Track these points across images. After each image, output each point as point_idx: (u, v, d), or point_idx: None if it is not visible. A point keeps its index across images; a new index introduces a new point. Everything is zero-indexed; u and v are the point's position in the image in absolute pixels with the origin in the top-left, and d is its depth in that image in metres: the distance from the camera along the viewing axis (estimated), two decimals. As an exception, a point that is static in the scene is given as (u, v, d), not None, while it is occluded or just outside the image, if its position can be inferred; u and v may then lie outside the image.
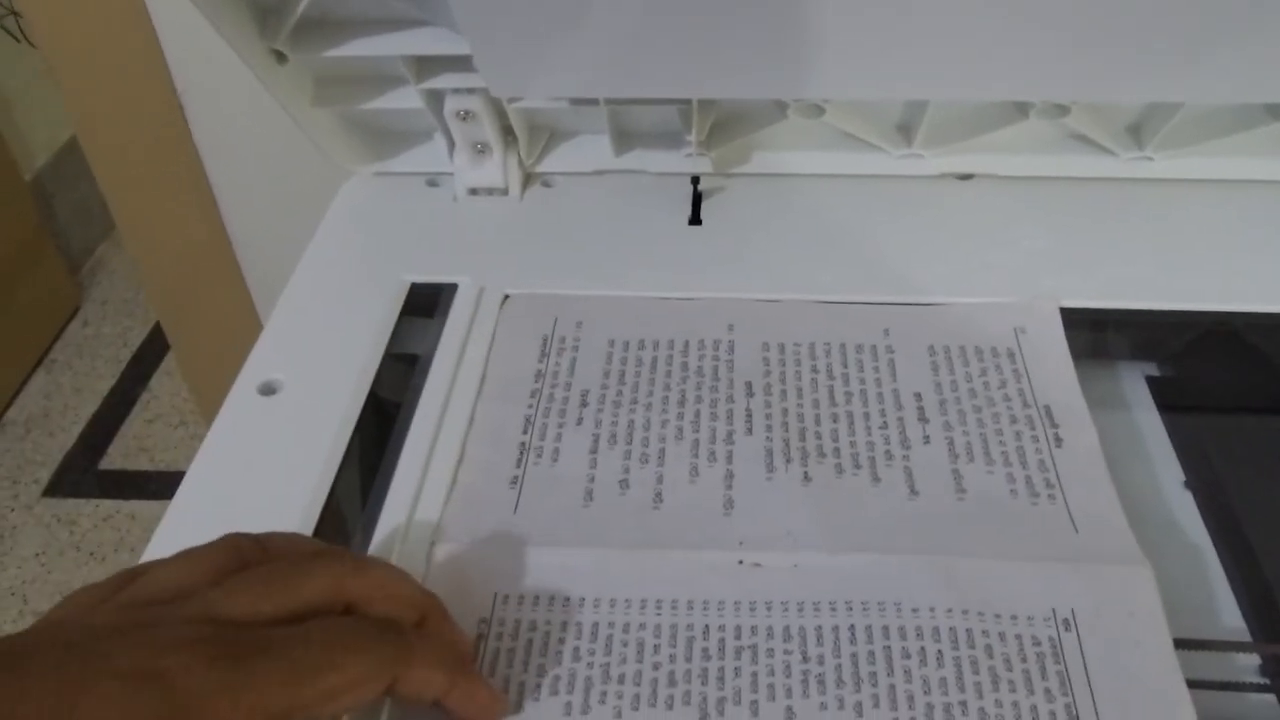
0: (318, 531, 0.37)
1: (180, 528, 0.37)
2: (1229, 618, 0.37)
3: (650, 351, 0.44)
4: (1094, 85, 0.42)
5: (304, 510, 0.37)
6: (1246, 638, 0.37)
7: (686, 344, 0.45)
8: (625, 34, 0.40)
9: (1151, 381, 0.46)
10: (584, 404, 0.42)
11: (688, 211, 0.51)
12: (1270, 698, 0.35)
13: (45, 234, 1.44)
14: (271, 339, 0.45)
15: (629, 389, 0.43)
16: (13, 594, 1.15)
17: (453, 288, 0.47)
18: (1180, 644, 0.33)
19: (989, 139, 0.50)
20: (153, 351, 1.46)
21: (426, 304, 0.47)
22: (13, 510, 1.24)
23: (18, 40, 1.36)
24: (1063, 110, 0.47)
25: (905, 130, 0.51)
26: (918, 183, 0.52)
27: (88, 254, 1.59)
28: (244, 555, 0.29)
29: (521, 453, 0.40)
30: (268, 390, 0.42)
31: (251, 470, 0.39)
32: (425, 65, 0.48)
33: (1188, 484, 0.42)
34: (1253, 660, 0.36)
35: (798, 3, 0.38)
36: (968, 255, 0.48)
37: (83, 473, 1.30)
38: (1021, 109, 0.48)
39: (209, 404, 1.10)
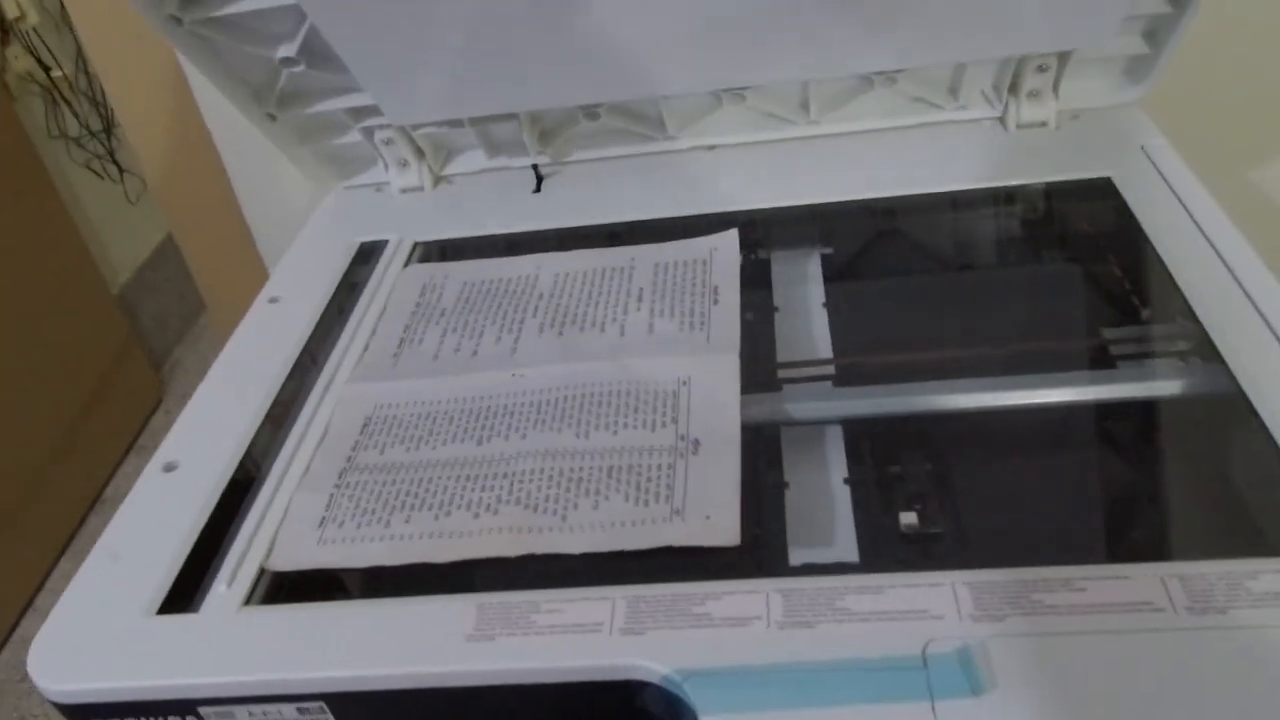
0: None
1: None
2: (824, 350, 0.64)
3: (488, 287, 0.70)
4: (728, 73, 0.71)
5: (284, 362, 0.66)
6: (831, 359, 0.64)
7: (509, 280, 0.70)
8: (459, 74, 0.71)
9: (824, 258, 0.74)
10: (442, 315, 0.68)
11: (534, 186, 0.81)
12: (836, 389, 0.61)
13: (132, 339, 1.66)
14: (279, 274, 0.75)
15: (470, 306, 0.68)
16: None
17: (385, 242, 0.77)
18: (785, 365, 0.61)
19: (713, 120, 0.79)
20: (223, 429, 1.73)
21: (370, 253, 0.77)
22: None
23: (101, 178, 1.68)
24: (741, 98, 0.76)
25: (658, 121, 0.80)
26: (676, 155, 0.80)
27: (167, 354, 1.87)
28: None
29: (400, 345, 0.66)
30: (274, 301, 0.72)
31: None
32: (361, 113, 0.78)
33: (825, 305, 0.69)
34: (830, 369, 0.63)
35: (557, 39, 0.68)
36: (704, 195, 0.76)
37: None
38: (716, 98, 0.77)
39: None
